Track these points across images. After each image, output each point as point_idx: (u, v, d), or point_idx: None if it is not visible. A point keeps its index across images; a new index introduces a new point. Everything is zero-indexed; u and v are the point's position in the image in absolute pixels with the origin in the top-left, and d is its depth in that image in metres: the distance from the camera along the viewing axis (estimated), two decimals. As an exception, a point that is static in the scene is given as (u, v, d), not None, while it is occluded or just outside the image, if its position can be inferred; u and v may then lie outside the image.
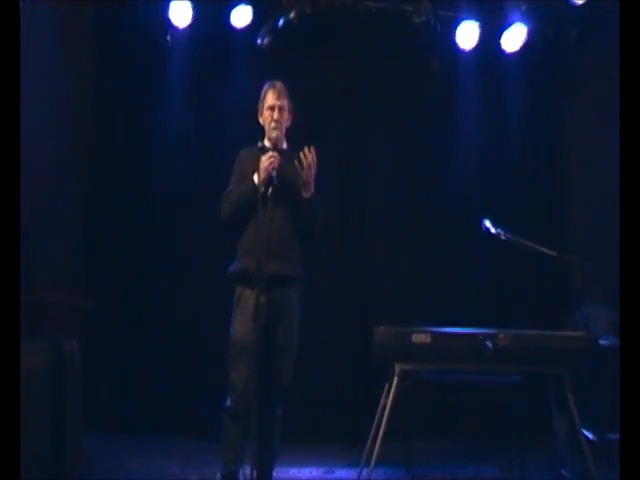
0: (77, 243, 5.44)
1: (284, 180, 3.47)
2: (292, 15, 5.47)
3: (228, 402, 3.49)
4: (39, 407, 3.35)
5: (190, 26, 5.46)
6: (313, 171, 3.50)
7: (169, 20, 5.41)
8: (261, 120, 3.70)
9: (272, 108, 3.63)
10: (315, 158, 3.48)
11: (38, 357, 3.39)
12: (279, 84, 3.69)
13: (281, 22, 5.47)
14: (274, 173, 3.42)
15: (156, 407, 5.38)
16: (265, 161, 3.42)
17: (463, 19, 5.56)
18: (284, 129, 3.68)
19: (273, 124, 3.62)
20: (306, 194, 3.52)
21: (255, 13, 5.45)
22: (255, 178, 3.46)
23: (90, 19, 5.51)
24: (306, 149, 3.48)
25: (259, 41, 5.49)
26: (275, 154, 3.46)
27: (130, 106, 5.69)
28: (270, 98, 3.65)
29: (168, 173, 5.70)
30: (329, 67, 5.86)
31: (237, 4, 5.41)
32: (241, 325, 3.47)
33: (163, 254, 5.66)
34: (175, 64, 5.65)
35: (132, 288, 5.56)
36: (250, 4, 5.42)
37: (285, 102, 3.66)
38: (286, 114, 3.67)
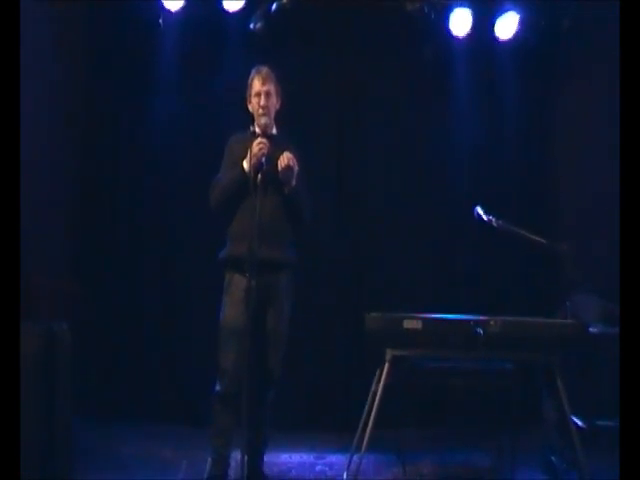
0: (68, 227, 5.41)
1: (273, 166, 3.47)
2: (285, 0, 5.44)
3: (218, 387, 3.50)
4: (30, 392, 3.34)
5: (182, 9, 5.42)
6: (293, 170, 3.50)
7: (161, 3, 5.37)
8: (250, 107, 3.70)
9: (259, 94, 3.63)
10: (292, 161, 3.49)
11: (29, 342, 3.38)
12: (265, 69, 3.68)
13: (274, 7, 5.44)
14: (264, 159, 3.42)
15: (147, 392, 5.37)
16: (255, 147, 3.42)
17: (456, 6, 5.54)
18: (273, 114, 3.68)
19: (261, 110, 3.62)
20: (287, 188, 3.54)
21: (248, -3, 5.42)
22: (244, 164, 3.48)
23: (81, 4, 5.46)
24: (282, 156, 3.47)
25: (252, 26, 5.45)
26: (264, 140, 3.47)
27: (122, 90, 5.63)
28: (256, 84, 3.65)
29: (160, 159, 5.66)
30: (322, 53, 5.83)
31: (230, -12, 5.38)
32: (230, 309, 3.48)
33: (154, 239, 5.64)
34: (167, 48, 5.60)
35: (123, 272, 5.54)
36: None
37: (272, 87, 3.65)
38: (274, 99, 3.67)
